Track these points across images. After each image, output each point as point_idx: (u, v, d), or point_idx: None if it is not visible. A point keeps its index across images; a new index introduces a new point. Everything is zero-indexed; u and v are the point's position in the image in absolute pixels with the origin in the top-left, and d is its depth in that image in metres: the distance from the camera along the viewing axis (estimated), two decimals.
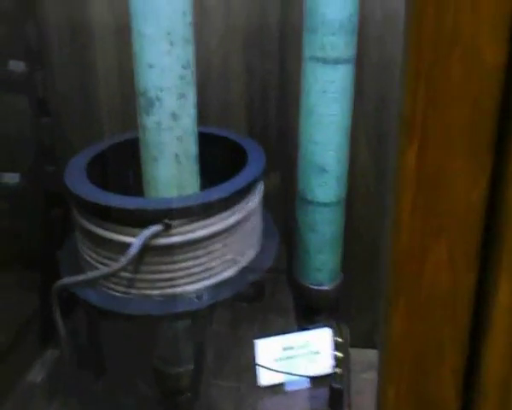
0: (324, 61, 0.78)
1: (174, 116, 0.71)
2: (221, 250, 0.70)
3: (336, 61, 0.78)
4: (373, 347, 1.02)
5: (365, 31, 0.87)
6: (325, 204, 0.86)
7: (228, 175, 0.78)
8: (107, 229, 0.66)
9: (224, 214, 0.68)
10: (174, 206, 0.65)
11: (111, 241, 0.66)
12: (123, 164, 0.84)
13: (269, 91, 0.99)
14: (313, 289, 0.91)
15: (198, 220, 0.66)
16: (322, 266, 0.90)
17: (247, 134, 1.00)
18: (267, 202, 0.86)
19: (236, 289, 0.71)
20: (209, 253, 0.69)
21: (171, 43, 0.68)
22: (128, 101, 0.99)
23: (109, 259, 0.67)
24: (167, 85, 0.70)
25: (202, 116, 0.92)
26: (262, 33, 0.96)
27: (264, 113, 1.00)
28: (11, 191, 0.95)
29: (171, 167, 0.73)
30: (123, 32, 0.96)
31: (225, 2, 0.95)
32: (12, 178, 0.95)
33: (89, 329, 0.78)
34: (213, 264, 0.69)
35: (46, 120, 1.01)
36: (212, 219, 0.67)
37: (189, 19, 0.70)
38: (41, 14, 0.97)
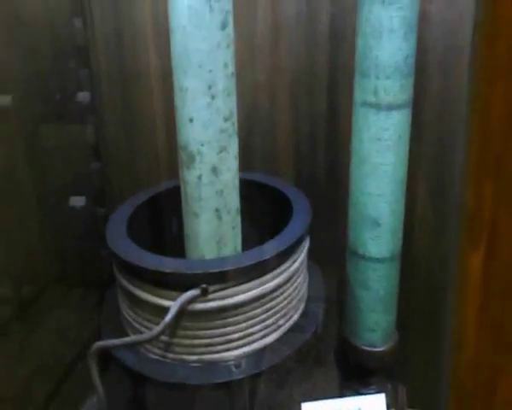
0: (378, 106, 0.72)
1: (215, 170, 0.68)
2: (262, 315, 0.65)
3: (390, 107, 0.72)
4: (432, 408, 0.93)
5: (423, 69, 0.81)
6: (378, 259, 0.79)
7: (271, 226, 0.74)
8: (143, 290, 0.64)
9: (265, 278, 0.64)
10: (212, 270, 0.61)
11: (148, 302, 0.64)
12: (164, 215, 0.82)
13: (317, 135, 0.94)
14: (366, 350, 0.83)
15: (237, 285, 0.62)
16: (376, 325, 0.82)
17: (294, 179, 0.96)
18: (314, 253, 0.80)
19: (279, 356, 0.65)
20: (249, 318, 0.64)
21: (212, 97, 0.65)
22: (173, 149, 0.99)
23: (146, 320, 0.64)
24: (208, 139, 0.66)
25: (247, 160, 0.89)
26: (310, 73, 0.92)
27: (313, 157, 0.95)
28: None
29: (212, 223, 0.69)
30: (170, 79, 0.96)
31: (273, 40, 0.92)
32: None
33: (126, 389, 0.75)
34: (253, 330, 0.65)
35: (96, 164, 1.01)
36: (252, 283, 0.63)
37: (231, 70, 0.67)
38: (94, 61, 0.98)
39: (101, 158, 1.01)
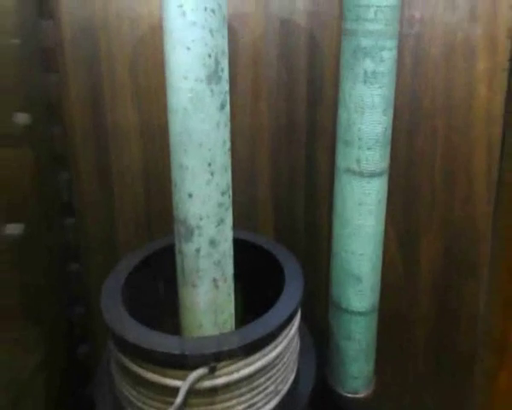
0: (361, 174, 0.78)
1: (213, 242, 0.70)
2: (264, 384, 0.68)
3: (372, 175, 0.78)
4: None
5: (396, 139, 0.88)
6: (360, 313, 0.84)
7: (260, 286, 0.77)
8: (149, 370, 0.64)
9: (267, 349, 0.67)
10: (222, 348, 0.63)
11: (153, 382, 0.64)
12: (155, 282, 0.83)
13: (296, 189, 0.99)
14: (349, 397, 0.88)
15: (242, 359, 0.64)
16: (359, 373, 0.88)
17: (273, 232, 1.00)
18: None
19: None
20: (252, 389, 0.66)
21: (212, 173, 0.68)
22: (150, 203, 0.99)
23: (151, 399, 0.65)
24: (207, 213, 0.69)
25: None
26: (289, 131, 0.97)
27: (291, 211, 0.99)
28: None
29: (210, 293, 0.71)
30: (147, 135, 0.97)
31: (252, 102, 0.95)
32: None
33: None
34: (256, 399, 0.67)
35: (70, 220, 1.00)
36: (255, 356, 0.65)
37: (228, 145, 0.70)
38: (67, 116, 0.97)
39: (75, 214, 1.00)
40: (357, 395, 0.88)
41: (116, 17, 0.93)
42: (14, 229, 0.85)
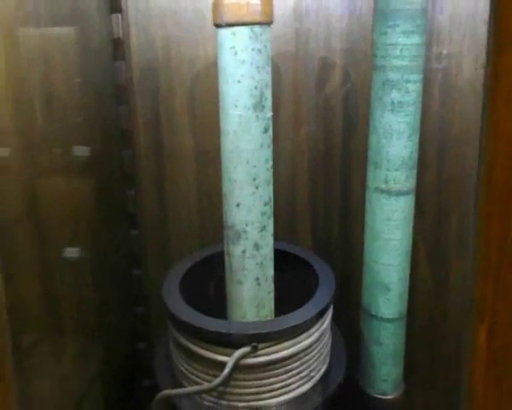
0: (388, 192, 0.88)
1: (256, 246, 0.82)
2: (298, 368, 0.78)
3: (398, 194, 0.88)
4: None
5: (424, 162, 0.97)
6: (389, 320, 0.93)
7: (298, 291, 0.88)
8: (202, 347, 0.76)
9: (302, 337, 0.77)
10: (262, 331, 0.75)
11: (205, 358, 0.76)
12: (207, 278, 0.95)
13: (332, 208, 1.09)
14: (378, 398, 0.96)
15: (280, 343, 0.75)
16: (387, 376, 0.95)
17: (311, 246, 1.10)
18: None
19: (312, 404, 0.78)
20: (288, 371, 0.77)
21: (256, 187, 0.80)
22: (202, 216, 1.13)
23: (203, 372, 0.77)
24: (251, 220, 0.81)
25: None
26: (326, 155, 1.08)
27: (328, 227, 1.10)
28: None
29: (253, 289, 0.83)
30: (199, 156, 1.11)
31: (293, 129, 1.08)
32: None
33: None
34: (291, 380, 0.77)
35: (135, 232, 1.15)
36: (291, 341, 0.76)
37: (270, 164, 0.82)
38: (134, 141, 1.13)
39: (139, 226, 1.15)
40: (386, 397, 0.96)
41: (176, 58, 1.08)
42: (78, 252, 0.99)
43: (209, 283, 0.96)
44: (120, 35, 1.08)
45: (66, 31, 0.93)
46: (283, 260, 0.94)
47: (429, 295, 1.08)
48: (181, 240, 1.14)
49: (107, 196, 1.08)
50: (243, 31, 0.74)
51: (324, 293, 0.83)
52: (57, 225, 0.88)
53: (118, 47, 1.09)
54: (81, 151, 0.97)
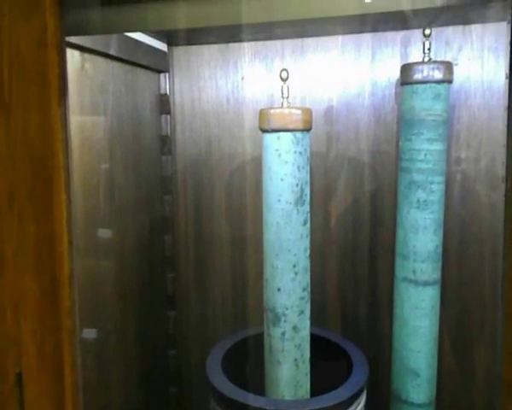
0: (416, 282, 0.95)
1: (295, 328, 0.88)
2: None
3: (425, 283, 0.95)
4: None
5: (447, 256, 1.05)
6: (419, 405, 0.96)
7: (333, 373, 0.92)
8: None
9: None
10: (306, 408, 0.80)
11: None
12: (246, 358, 1.00)
13: (360, 295, 1.16)
14: None
15: None
16: None
17: (340, 329, 1.16)
18: None
19: None
20: None
21: (296, 273, 0.87)
22: (235, 299, 1.20)
23: None
24: (291, 305, 0.87)
25: None
26: (354, 246, 1.16)
27: (356, 312, 1.16)
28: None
29: (292, 370, 0.88)
30: (234, 243, 1.20)
31: (323, 221, 1.17)
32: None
33: None
34: None
35: (172, 313, 1.21)
36: None
37: (308, 252, 0.90)
38: (175, 227, 1.23)
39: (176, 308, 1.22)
40: None
41: (216, 154, 1.21)
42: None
43: (247, 363, 1.01)
44: (168, 133, 1.22)
45: (126, 129, 1.06)
46: (318, 344, 0.99)
47: (455, 382, 1.11)
48: (216, 322, 1.21)
49: (150, 277, 1.17)
50: (287, 136, 0.86)
51: (359, 376, 0.88)
52: (108, 303, 0.96)
53: (165, 143, 1.22)
54: (130, 236, 1.07)
